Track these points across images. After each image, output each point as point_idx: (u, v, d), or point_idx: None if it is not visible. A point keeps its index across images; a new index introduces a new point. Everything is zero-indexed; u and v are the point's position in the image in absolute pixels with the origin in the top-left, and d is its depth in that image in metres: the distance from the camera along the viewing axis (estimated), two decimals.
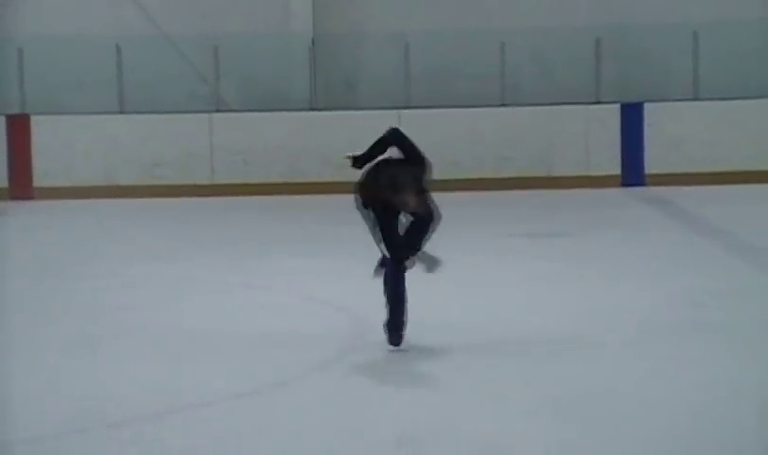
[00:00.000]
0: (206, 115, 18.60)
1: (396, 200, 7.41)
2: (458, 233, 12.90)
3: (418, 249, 7.62)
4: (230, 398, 6.68)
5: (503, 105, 18.66)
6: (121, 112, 18.74)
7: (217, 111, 18.84)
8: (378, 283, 7.70)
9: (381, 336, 8.16)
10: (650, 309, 8.93)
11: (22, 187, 17.99)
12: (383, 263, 7.75)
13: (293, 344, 7.98)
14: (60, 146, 18.24)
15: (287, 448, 5.81)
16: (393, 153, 7.76)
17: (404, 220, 7.67)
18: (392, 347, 7.67)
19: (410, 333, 7.87)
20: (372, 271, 7.86)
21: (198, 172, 18.28)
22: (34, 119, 18.30)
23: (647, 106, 18.32)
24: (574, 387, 6.75)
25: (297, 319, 8.94)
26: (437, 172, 18.15)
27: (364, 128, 17.90)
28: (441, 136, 18.21)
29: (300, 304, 9.58)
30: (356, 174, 7.75)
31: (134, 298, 9.82)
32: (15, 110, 18.60)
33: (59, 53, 19.14)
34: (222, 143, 18.41)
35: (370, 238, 12.87)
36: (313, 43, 19.24)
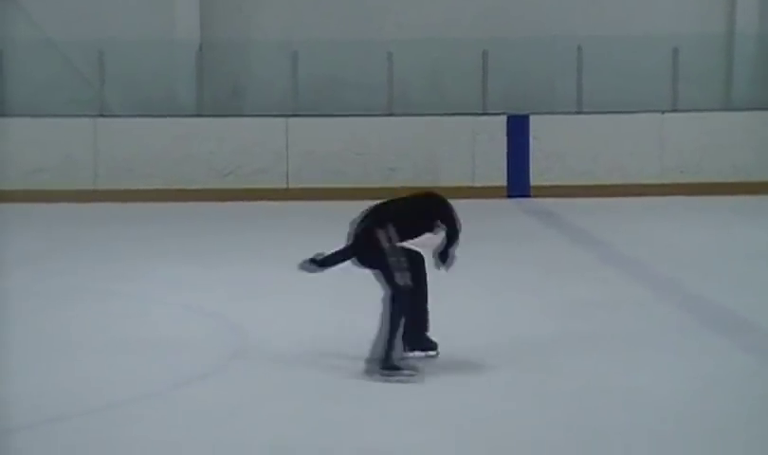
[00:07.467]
0: (90, 120, 18.35)
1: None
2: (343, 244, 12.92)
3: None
4: (98, 409, 6.59)
5: (390, 115, 18.75)
6: (3, 115, 18.37)
7: (101, 116, 18.59)
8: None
9: (259, 345, 8.15)
10: (530, 319, 9.06)
11: None
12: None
13: (171, 353, 7.92)
14: None
15: None
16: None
17: None
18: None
19: (281, 343, 7.85)
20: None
21: (81, 178, 18.02)
22: None
23: (532, 119, 18.57)
24: (444, 399, 6.82)
25: (177, 328, 8.87)
26: (324, 181, 18.29)
27: (251, 135, 18.17)
28: (327, 146, 18.27)
29: (180, 313, 9.50)
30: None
31: (12, 307, 9.60)
32: None
33: None
34: (106, 149, 18.18)
35: (252, 247, 12.84)
36: (200, 49, 19.11)
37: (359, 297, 9.91)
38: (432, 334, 7.72)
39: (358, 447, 5.88)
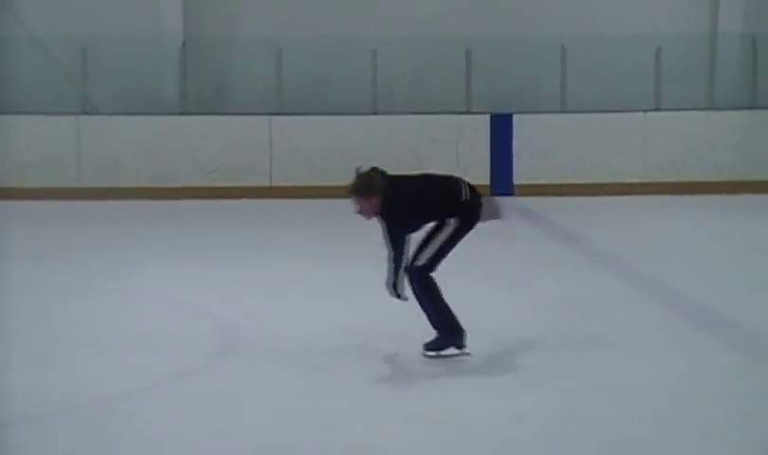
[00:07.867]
0: (73, 117, 18.29)
1: None
2: (330, 242, 12.94)
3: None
4: (97, 403, 6.60)
5: (375, 114, 18.76)
6: None
7: (85, 113, 18.55)
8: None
9: (250, 342, 8.16)
10: (516, 318, 9.09)
11: None
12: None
13: (162, 350, 7.93)
14: None
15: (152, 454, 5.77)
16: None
17: None
18: (459, 350, 7.71)
19: (273, 340, 7.87)
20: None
21: (65, 175, 17.97)
22: None
23: (516, 117, 18.60)
24: (435, 397, 6.84)
25: (165, 325, 8.87)
26: (308, 179, 18.24)
27: (235, 133, 18.15)
28: (312, 144, 18.27)
29: (168, 310, 9.50)
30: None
31: (7, 304, 9.57)
32: None
33: None
34: (89, 146, 18.13)
35: (240, 244, 12.83)
36: (184, 46, 19.07)
37: (351, 294, 9.92)
38: (422, 324, 7.77)
39: (350, 444, 5.89)
